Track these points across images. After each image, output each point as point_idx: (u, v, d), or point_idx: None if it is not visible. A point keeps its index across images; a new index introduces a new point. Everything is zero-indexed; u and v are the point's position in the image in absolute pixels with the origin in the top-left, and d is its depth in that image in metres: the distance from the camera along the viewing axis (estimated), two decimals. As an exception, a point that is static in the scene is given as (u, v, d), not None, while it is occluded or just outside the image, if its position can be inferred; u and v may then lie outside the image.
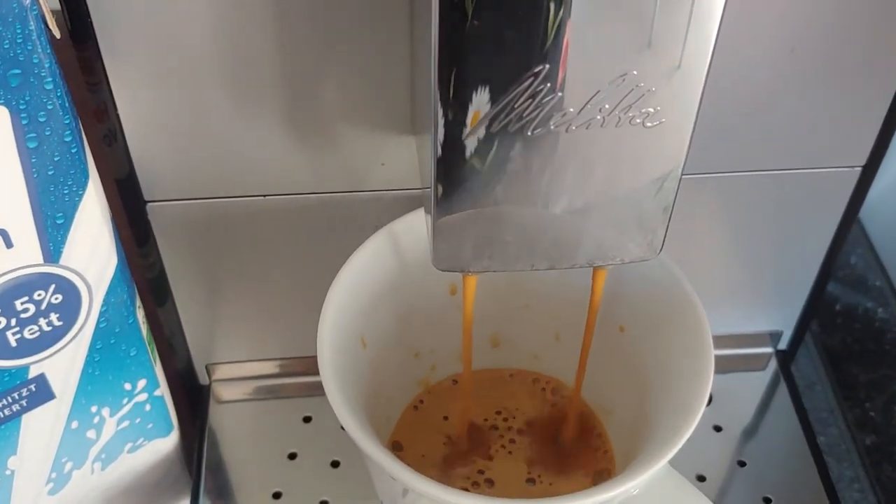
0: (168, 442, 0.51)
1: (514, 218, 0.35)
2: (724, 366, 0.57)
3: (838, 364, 0.63)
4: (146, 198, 0.45)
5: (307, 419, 0.54)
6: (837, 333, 0.65)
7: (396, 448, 0.48)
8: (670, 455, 0.36)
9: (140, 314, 0.46)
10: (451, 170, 0.34)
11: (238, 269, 0.50)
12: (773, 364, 0.58)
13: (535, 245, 0.37)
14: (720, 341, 0.56)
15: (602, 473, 0.47)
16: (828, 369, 0.63)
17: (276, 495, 0.51)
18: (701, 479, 0.52)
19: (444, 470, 0.47)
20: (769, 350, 0.58)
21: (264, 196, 0.45)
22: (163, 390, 0.49)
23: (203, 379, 0.55)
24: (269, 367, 0.55)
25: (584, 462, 0.47)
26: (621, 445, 0.46)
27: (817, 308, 0.57)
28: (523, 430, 0.49)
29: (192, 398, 0.56)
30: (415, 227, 0.43)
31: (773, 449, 0.54)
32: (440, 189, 0.34)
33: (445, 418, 0.49)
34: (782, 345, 0.58)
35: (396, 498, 0.41)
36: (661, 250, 0.37)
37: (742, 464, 0.53)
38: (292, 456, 0.53)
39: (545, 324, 0.49)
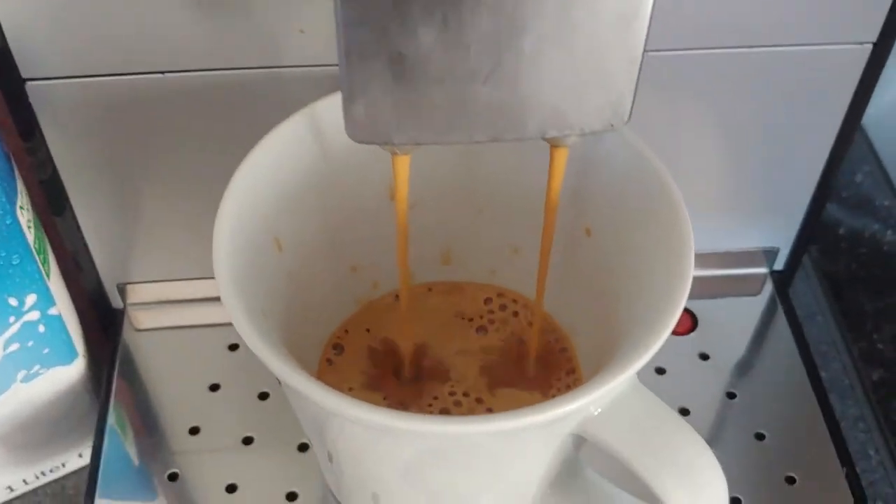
0: (71, 371, 0.44)
1: (445, 74, 0.28)
2: (712, 289, 0.50)
3: (841, 293, 0.56)
4: (24, 75, 0.38)
5: (233, 347, 0.47)
6: (841, 259, 0.58)
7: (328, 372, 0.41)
8: (637, 365, 0.29)
9: (24, 217, 0.39)
10: (361, 7, 0.26)
11: (144, 168, 0.43)
12: (768, 288, 0.51)
13: (473, 110, 0.30)
14: (707, 260, 0.50)
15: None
16: (829, 299, 0.56)
17: (194, 430, 0.44)
18: (684, 412, 0.45)
19: (385, 393, 0.40)
20: (763, 271, 0.51)
21: (163, 73, 0.38)
22: (61, 310, 0.42)
23: (116, 302, 0.49)
24: (192, 288, 0.48)
25: (548, 382, 0.40)
26: (590, 365, 0.39)
27: (816, 224, 0.50)
28: (479, 347, 0.42)
29: (105, 324, 0.49)
30: (343, 109, 0.36)
31: (768, 381, 0.47)
32: (349, 35, 0.27)
33: (387, 338, 0.42)
34: (778, 265, 0.51)
35: (321, 426, 0.34)
36: (629, 117, 0.30)
37: (732, 395, 0.46)
38: (214, 387, 0.46)
39: (502, 235, 0.42)
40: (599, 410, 0.31)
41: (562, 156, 0.33)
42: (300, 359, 0.33)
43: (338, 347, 0.41)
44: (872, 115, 0.44)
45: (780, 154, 0.45)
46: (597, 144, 0.36)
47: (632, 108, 0.30)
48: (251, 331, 0.29)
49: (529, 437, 0.31)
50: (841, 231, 0.59)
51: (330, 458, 0.37)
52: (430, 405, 0.40)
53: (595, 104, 0.30)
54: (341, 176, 0.38)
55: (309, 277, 0.39)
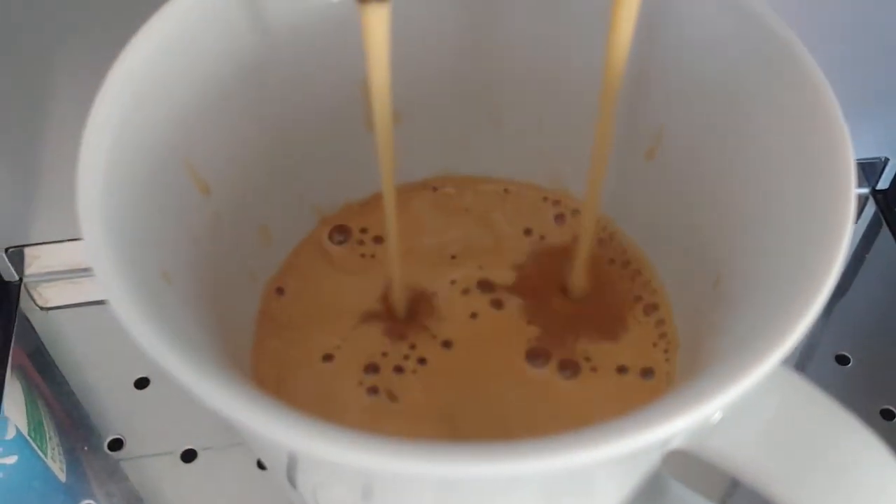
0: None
1: None
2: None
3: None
4: None
5: (167, 326, 0.35)
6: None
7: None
8: (792, 338, 0.17)
9: None
10: None
11: (29, 80, 0.30)
12: (868, 212, 0.39)
13: None
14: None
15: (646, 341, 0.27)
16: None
17: (115, 444, 0.32)
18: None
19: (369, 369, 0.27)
20: (862, 191, 0.39)
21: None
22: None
23: (8, 272, 0.36)
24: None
25: (621, 326, 0.27)
26: (683, 306, 0.27)
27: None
28: (511, 276, 0.29)
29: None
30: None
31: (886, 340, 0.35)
32: None
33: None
34: (883, 182, 0.39)
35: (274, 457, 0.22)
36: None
37: (843, 360, 0.34)
38: (142, 383, 0.34)
39: (533, 161, 0.30)
40: (719, 415, 0.19)
41: (630, 5, 0.20)
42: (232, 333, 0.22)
43: (281, 291, 0.28)
44: None
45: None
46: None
47: None
48: (130, 305, 0.17)
49: (610, 465, 0.19)
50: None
51: (293, 484, 0.25)
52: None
53: None
54: (288, 66, 0.25)
55: (241, 222, 0.26)
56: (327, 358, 0.26)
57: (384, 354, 0.27)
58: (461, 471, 0.16)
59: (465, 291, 0.28)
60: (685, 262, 0.26)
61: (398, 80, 0.23)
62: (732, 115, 0.23)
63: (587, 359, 0.26)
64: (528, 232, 0.29)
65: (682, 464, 0.22)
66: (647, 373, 0.26)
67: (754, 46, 0.22)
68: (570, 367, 0.26)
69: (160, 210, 0.21)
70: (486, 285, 0.28)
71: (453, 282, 0.28)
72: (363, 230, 0.29)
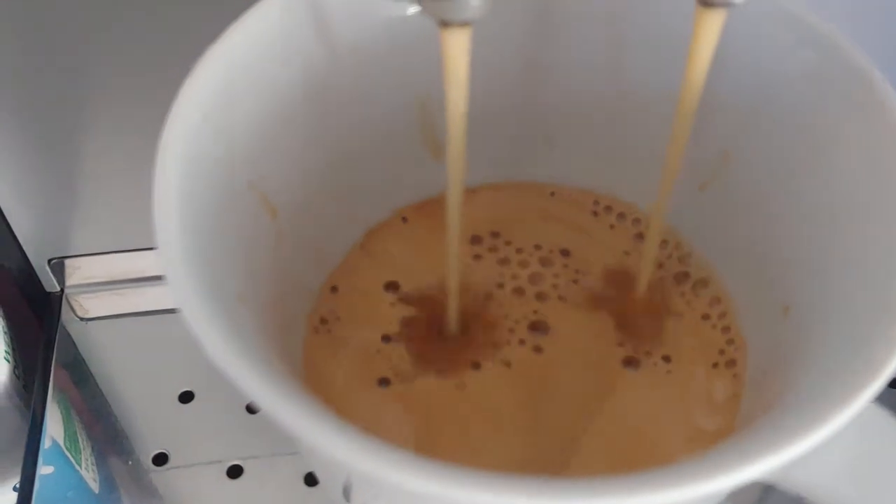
0: (-7, 380, 0.33)
1: None
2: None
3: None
4: None
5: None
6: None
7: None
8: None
9: None
10: None
11: (75, 92, 0.31)
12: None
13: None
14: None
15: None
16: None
17: (160, 459, 0.32)
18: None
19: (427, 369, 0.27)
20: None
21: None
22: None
23: (50, 283, 0.36)
24: (153, 262, 0.36)
25: (687, 334, 0.27)
26: (750, 323, 0.26)
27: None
28: (570, 288, 0.28)
29: (40, 314, 0.37)
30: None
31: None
32: None
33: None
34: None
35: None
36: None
37: None
38: (186, 397, 0.34)
39: (585, 182, 0.30)
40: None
41: (714, 23, 0.20)
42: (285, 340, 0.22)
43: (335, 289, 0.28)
44: None
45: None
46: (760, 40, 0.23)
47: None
48: (221, 340, 0.17)
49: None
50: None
51: (347, 498, 0.25)
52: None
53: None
54: (350, 88, 0.25)
55: (300, 238, 0.26)
56: (380, 363, 0.26)
57: (439, 355, 0.26)
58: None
59: (518, 293, 0.28)
60: (751, 285, 0.25)
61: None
62: (805, 147, 0.23)
63: (655, 363, 0.26)
64: (580, 238, 0.29)
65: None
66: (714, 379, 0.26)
67: (833, 80, 0.22)
68: (635, 365, 0.26)
69: (231, 231, 0.21)
70: (540, 291, 0.28)
71: (500, 285, 0.28)
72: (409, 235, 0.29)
